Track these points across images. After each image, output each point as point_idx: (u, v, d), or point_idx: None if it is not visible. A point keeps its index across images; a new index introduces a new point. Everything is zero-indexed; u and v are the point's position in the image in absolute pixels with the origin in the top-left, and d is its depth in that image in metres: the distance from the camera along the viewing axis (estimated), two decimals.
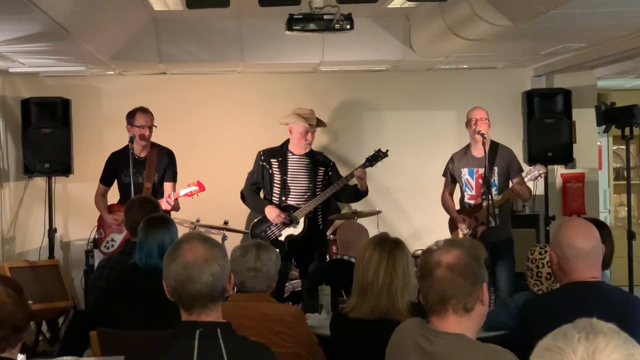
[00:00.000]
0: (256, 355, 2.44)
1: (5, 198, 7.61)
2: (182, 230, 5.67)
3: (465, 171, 6.18)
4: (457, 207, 6.32)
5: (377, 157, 6.18)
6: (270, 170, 6.13)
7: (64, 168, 7.24)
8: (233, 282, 2.55)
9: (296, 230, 6.11)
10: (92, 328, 3.77)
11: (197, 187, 6.26)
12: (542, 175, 6.39)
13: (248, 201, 6.28)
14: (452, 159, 6.31)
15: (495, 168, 6.08)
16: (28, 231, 7.58)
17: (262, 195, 6.23)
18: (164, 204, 6.06)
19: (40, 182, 7.46)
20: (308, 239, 6.13)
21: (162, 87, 7.66)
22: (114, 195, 6.49)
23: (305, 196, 6.11)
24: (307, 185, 6.13)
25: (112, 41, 6.40)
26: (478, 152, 6.07)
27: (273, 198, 6.12)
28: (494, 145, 6.15)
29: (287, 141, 6.21)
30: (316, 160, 6.19)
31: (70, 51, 6.06)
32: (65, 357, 3.33)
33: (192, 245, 2.44)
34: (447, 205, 6.33)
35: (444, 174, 6.38)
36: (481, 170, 6.01)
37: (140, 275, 3.99)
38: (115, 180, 6.38)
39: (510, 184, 6.09)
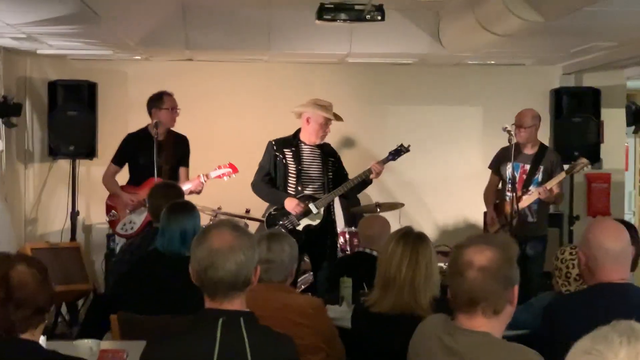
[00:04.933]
0: (278, 346, 2.43)
1: (29, 179, 7.65)
2: (203, 218, 5.66)
3: (510, 164, 6.19)
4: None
5: (400, 151, 6.15)
6: (284, 161, 6.02)
7: (89, 151, 7.25)
8: (259, 274, 2.52)
9: (315, 220, 6.06)
10: (112, 312, 3.78)
11: (229, 169, 6.20)
12: (587, 166, 6.34)
13: (264, 193, 6.12)
14: (501, 151, 6.38)
15: (541, 167, 6.21)
16: (50, 213, 7.61)
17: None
18: (195, 184, 6.04)
19: (64, 164, 7.48)
20: (323, 230, 6.07)
21: (187, 74, 7.65)
22: (122, 177, 6.46)
23: (320, 186, 6.06)
24: (320, 174, 6.07)
25: (140, 26, 6.40)
26: (528, 149, 6.21)
27: (289, 188, 6.01)
28: (543, 148, 6.30)
29: (298, 131, 6.12)
30: (325, 151, 6.14)
31: (98, 34, 6.07)
32: (86, 340, 3.33)
33: (221, 231, 2.43)
34: (486, 199, 6.46)
35: (490, 166, 6.48)
36: (527, 167, 6.17)
37: (162, 261, 3.99)
38: (126, 162, 6.36)
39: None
